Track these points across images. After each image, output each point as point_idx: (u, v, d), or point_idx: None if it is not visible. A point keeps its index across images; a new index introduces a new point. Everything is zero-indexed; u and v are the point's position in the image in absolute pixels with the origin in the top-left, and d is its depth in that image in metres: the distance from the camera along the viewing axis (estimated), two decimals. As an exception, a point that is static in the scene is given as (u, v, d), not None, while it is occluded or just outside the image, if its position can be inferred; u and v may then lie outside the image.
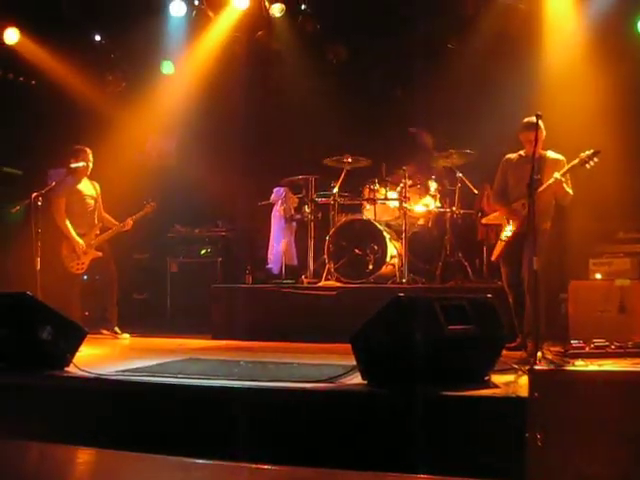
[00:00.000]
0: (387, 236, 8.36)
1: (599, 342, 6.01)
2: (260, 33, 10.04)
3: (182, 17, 9.81)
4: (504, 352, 5.13)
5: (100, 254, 8.35)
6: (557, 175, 6.60)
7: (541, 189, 6.51)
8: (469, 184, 8.69)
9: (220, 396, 4.80)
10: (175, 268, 10.03)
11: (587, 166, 6.53)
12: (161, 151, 10.97)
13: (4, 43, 9.68)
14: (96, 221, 8.51)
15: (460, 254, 8.65)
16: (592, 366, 5.22)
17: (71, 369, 5.43)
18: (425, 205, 8.91)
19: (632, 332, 6.29)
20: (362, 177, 9.18)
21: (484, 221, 7.88)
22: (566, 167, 6.65)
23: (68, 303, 7.87)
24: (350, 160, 8.99)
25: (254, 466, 4.31)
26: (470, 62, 9.26)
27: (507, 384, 4.75)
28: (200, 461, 4.44)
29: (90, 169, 8.45)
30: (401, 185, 8.69)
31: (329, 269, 8.56)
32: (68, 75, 10.07)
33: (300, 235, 9.43)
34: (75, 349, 5.60)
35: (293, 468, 4.21)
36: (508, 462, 4.12)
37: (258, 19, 9.85)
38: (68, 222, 8.26)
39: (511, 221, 6.92)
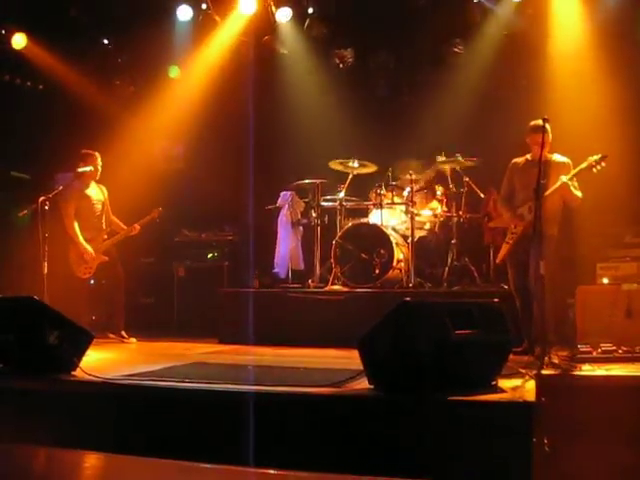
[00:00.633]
0: (394, 240, 8.34)
1: (606, 347, 6.00)
2: (266, 37, 10.05)
3: (189, 22, 9.83)
4: (511, 356, 5.11)
5: (107, 258, 8.36)
6: (564, 178, 6.60)
7: (548, 193, 6.50)
8: (476, 188, 8.67)
9: (226, 400, 4.80)
10: (182, 272, 10.04)
11: (594, 170, 6.53)
12: (168, 155, 10.99)
13: (12, 48, 9.72)
14: (104, 225, 8.53)
15: (467, 258, 8.64)
16: (599, 371, 5.20)
17: (78, 373, 5.43)
18: (432, 209, 8.90)
19: (639, 337, 6.27)
20: (369, 181, 9.18)
21: (491, 224, 7.88)
22: (574, 171, 6.64)
23: (75, 307, 7.87)
24: (357, 165, 8.99)
25: (260, 471, 4.31)
26: (477, 66, 9.26)
27: (514, 389, 4.73)
28: (206, 465, 4.44)
29: (99, 174, 8.47)
30: (407, 189, 8.68)
31: (335, 273, 8.56)
32: (75, 80, 10.10)
33: (307, 239, 9.43)
34: (82, 353, 5.61)
35: (299, 473, 4.21)
36: (515, 467, 4.11)
37: (264, 23, 9.86)
38: (76, 226, 8.27)
39: (517, 225, 6.90)
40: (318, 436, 4.50)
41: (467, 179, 8.67)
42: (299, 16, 9.78)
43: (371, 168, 9.17)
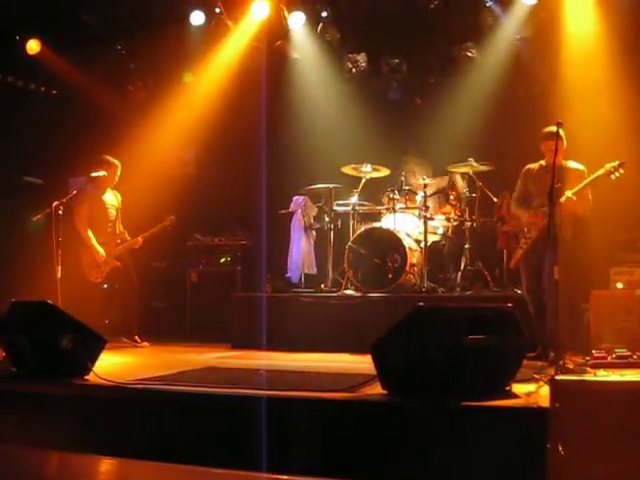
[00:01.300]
0: (407, 245, 8.32)
1: (621, 352, 5.97)
2: (279, 42, 10.06)
3: (201, 27, 9.84)
4: (525, 362, 5.09)
5: (119, 263, 8.39)
6: (569, 194, 6.54)
7: (562, 200, 6.47)
8: (489, 192, 8.66)
9: (239, 405, 4.80)
10: (195, 277, 10.05)
11: (612, 177, 6.49)
12: (181, 160, 11.01)
13: (26, 53, 9.77)
14: (117, 231, 8.57)
15: (480, 263, 8.62)
16: (614, 376, 5.17)
17: (91, 378, 5.45)
18: (445, 214, 8.89)
19: (654, 342, 6.25)
20: (381, 186, 9.17)
21: (504, 228, 7.85)
22: (590, 178, 6.58)
23: (88, 311, 7.89)
24: (369, 169, 8.99)
25: (273, 476, 4.31)
26: (490, 70, 9.24)
27: (528, 394, 4.72)
28: (218, 470, 4.44)
29: (115, 181, 8.51)
30: (421, 194, 8.67)
31: (348, 278, 8.55)
32: (88, 85, 10.15)
33: (319, 244, 9.43)
34: (95, 357, 5.62)
35: (311, 478, 4.21)
36: (529, 473, 4.09)
37: (277, 28, 9.87)
38: (89, 231, 8.31)
39: (531, 229, 6.86)
40: (331, 441, 4.49)
41: (480, 183, 8.65)
42: (312, 21, 9.78)
43: (384, 172, 9.16)
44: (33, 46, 9.76)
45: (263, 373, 5.99)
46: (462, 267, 8.61)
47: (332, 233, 9.01)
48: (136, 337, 8.35)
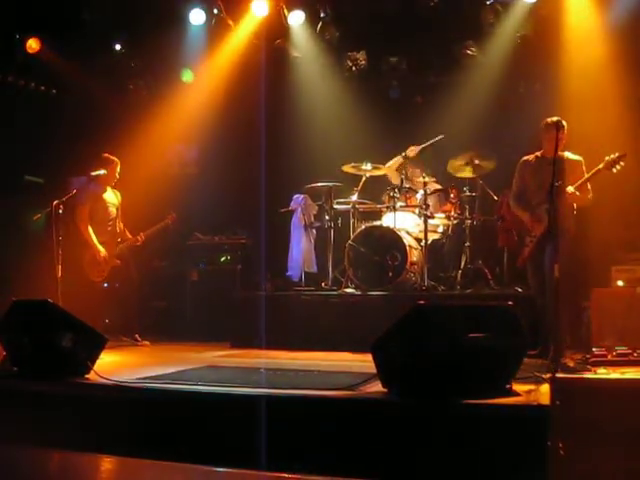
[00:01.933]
0: (407, 243, 8.32)
1: (621, 350, 5.96)
2: (279, 41, 10.05)
3: (202, 25, 9.84)
4: (525, 360, 5.09)
5: (119, 262, 8.40)
6: (571, 189, 6.54)
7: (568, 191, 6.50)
8: (489, 191, 8.65)
9: (239, 404, 4.80)
10: (195, 276, 10.04)
11: (614, 170, 6.47)
12: (181, 159, 11.01)
13: (26, 52, 9.76)
14: (117, 230, 8.57)
15: (480, 261, 8.62)
16: (614, 374, 5.18)
17: (91, 376, 5.46)
18: (445, 212, 8.88)
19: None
20: (382, 184, 9.17)
21: (506, 225, 7.83)
22: (591, 172, 6.58)
23: (89, 311, 7.89)
24: (370, 167, 8.99)
25: (273, 474, 4.31)
26: (490, 68, 9.24)
27: (529, 392, 4.72)
28: (219, 469, 4.44)
29: (115, 179, 8.52)
30: (421, 192, 8.67)
31: (349, 276, 8.55)
32: (89, 84, 10.14)
33: (320, 242, 9.42)
34: (95, 356, 5.63)
35: (312, 477, 4.21)
36: (530, 471, 4.09)
37: (277, 27, 9.86)
38: (90, 229, 8.31)
39: (534, 227, 6.84)
40: (331, 440, 4.49)
41: (481, 181, 8.65)
42: (311, 19, 9.77)
43: (384, 171, 9.15)
44: (33, 45, 9.75)
45: (263, 372, 5.99)
46: (462, 265, 8.61)
47: (332, 231, 9.00)
48: (136, 336, 8.35)
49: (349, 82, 10.07)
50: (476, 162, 8.56)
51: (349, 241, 8.57)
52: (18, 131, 10.02)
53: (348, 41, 10.04)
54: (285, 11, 9.68)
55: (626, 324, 6.79)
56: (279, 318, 8.14)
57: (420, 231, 8.65)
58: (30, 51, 9.77)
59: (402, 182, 8.86)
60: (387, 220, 8.79)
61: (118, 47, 10.29)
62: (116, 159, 8.48)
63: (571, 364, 5.61)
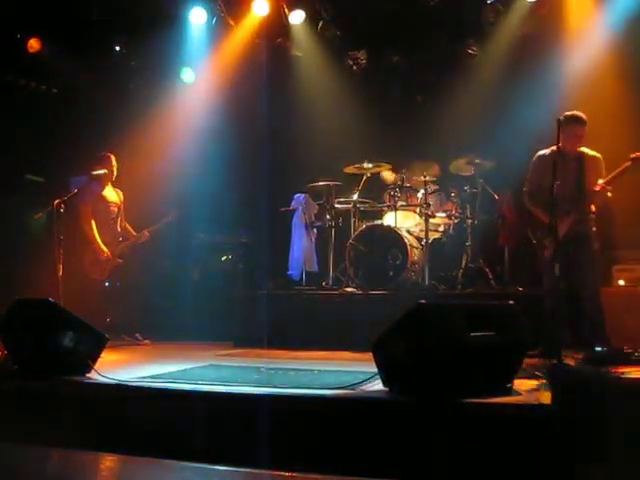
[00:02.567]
0: (408, 242, 8.32)
1: (622, 349, 5.96)
2: (280, 40, 10.06)
3: (202, 25, 9.84)
4: (527, 359, 5.09)
5: (121, 261, 8.41)
6: (601, 181, 6.46)
7: (597, 188, 6.45)
8: (490, 190, 8.65)
9: (241, 403, 4.80)
10: (196, 275, 10.05)
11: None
12: (183, 158, 10.99)
13: (27, 52, 9.76)
14: (119, 228, 8.58)
15: (481, 260, 8.62)
16: (615, 373, 5.17)
17: (92, 375, 5.46)
18: (446, 211, 8.88)
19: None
20: (382, 183, 9.17)
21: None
22: (620, 168, 6.46)
23: (90, 309, 7.89)
24: (370, 166, 8.99)
25: (274, 473, 4.30)
26: (491, 68, 9.24)
27: (530, 391, 4.72)
28: (220, 467, 4.44)
29: (114, 175, 8.53)
30: (422, 191, 8.67)
31: (350, 275, 8.55)
32: (89, 83, 10.14)
33: (321, 242, 9.43)
34: (96, 355, 5.63)
35: (313, 475, 4.20)
36: (531, 470, 4.09)
37: (278, 26, 9.87)
38: (94, 227, 8.32)
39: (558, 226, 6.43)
40: (332, 438, 4.49)
41: (481, 180, 8.65)
42: (312, 18, 9.78)
43: (385, 170, 9.15)
44: (34, 45, 9.75)
45: (265, 371, 5.99)
46: (463, 264, 8.61)
47: (333, 231, 9.01)
48: (137, 335, 8.35)
49: (350, 81, 10.07)
50: (477, 161, 8.56)
51: (350, 240, 8.58)
52: (18, 130, 10.02)
53: (349, 40, 10.05)
54: (286, 10, 9.69)
55: (627, 323, 6.80)
56: (280, 317, 8.14)
57: (421, 230, 8.66)
58: (31, 51, 9.77)
59: (403, 181, 8.87)
60: (388, 219, 8.80)
61: (118, 47, 10.29)
62: (111, 155, 8.49)
63: (573, 363, 5.61)
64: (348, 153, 9.21)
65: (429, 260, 8.36)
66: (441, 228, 9.02)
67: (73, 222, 8.24)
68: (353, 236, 8.63)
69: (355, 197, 8.97)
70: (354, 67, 10.15)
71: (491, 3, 9.05)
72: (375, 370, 4.86)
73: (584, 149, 6.69)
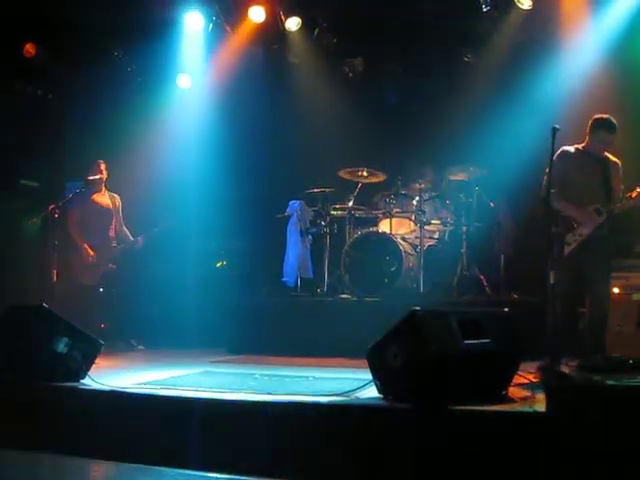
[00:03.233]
0: (403, 249, 8.33)
1: (617, 357, 5.96)
2: (276, 46, 10.07)
3: (199, 31, 9.85)
4: (522, 366, 5.09)
5: (114, 266, 8.40)
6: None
7: (625, 202, 6.38)
8: (485, 197, 8.66)
9: (235, 409, 4.79)
10: (191, 281, 10.04)
11: None
12: (178, 164, 11.00)
13: (23, 57, 9.75)
14: (112, 233, 8.57)
15: (476, 268, 8.62)
16: (610, 381, 5.17)
17: (86, 382, 5.44)
18: (441, 218, 8.88)
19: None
20: (378, 190, 9.18)
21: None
22: None
23: (84, 315, 7.88)
24: (366, 173, 9.00)
25: (268, 480, 4.30)
26: (487, 76, 9.25)
27: (524, 399, 4.72)
28: (215, 475, 4.44)
29: (104, 181, 8.53)
30: (417, 198, 8.67)
31: (344, 282, 8.54)
32: (85, 88, 10.14)
33: (316, 248, 9.42)
34: (91, 361, 5.62)
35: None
36: (525, 478, 4.08)
37: (274, 32, 9.88)
38: (79, 232, 8.32)
39: (582, 226, 6.39)
40: (327, 446, 4.48)
41: (477, 188, 8.66)
42: (308, 25, 9.78)
43: (380, 177, 9.16)
44: (30, 50, 9.74)
45: (259, 377, 5.98)
46: (458, 272, 8.60)
47: (328, 237, 9.00)
48: (132, 341, 8.34)
49: (346, 88, 10.07)
50: (472, 169, 8.58)
51: (345, 247, 8.58)
52: (14, 136, 10.01)
53: (345, 47, 10.06)
54: (282, 17, 9.69)
55: (621, 331, 6.80)
56: (275, 324, 8.14)
57: (416, 237, 8.66)
58: (27, 55, 9.77)
59: (399, 189, 8.88)
60: (383, 226, 8.81)
61: (115, 52, 10.29)
62: (101, 161, 8.51)
63: (567, 371, 5.60)
64: (344, 160, 9.22)
65: (424, 267, 8.36)
66: (436, 235, 9.03)
67: (66, 227, 8.25)
68: (348, 243, 8.64)
69: (350, 204, 8.98)
70: (350, 74, 10.17)
71: (487, 11, 9.06)
72: (370, 377, 4.86)
73: (607, 153, 6.61)
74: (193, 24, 9.76)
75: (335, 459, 4.43)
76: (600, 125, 6.40)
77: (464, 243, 8.63)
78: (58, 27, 9.62)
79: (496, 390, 4.73)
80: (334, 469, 4.40)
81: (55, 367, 5.42)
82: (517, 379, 5.05)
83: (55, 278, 7.30)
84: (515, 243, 8.70)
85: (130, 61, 10.41)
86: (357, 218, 9.07)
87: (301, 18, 9.69)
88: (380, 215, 8.94)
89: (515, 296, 7.86)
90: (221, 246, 10.22)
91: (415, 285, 8.39)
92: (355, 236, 8.71)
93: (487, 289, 8.44)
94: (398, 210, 8.85)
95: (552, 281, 5.63)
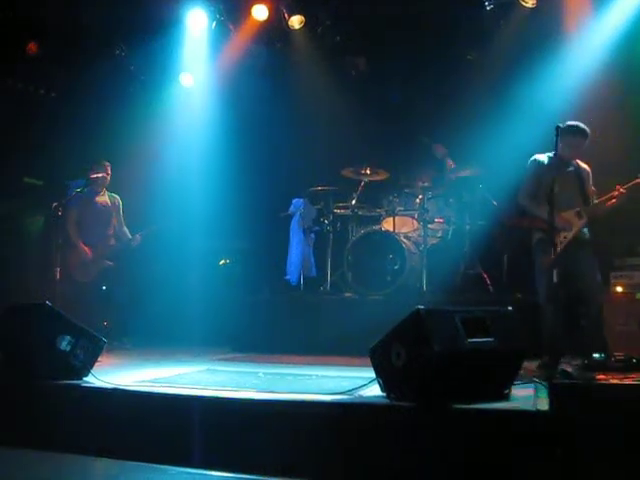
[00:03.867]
0: (406, 248, 8.33)
1: (620, 356, 5.95)
2: (279, 45, 10.07)
3: (202, 29, 9.84)
4: (524, 365, 5.08)
5: (111, 263, 8.40)
6: (622, 189, 6.47)
7: (605, 202, 6.50)
8: (489, 196, 8.66)
9: (238, 407, 4.79)
10: (194, 279, 10.04)
11: None
12: (181, 163, 11.00)
13: (26, 56, 9.76)
14: (110, 232, 8.57)
15: (480, 266, 8.61)
16: (613, 380, 5.17)
17: (89, 379, 5.44)
18: (444, 217, 8.88)
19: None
20: (381, 189, 9.18)
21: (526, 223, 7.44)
22: (633, 182, 6.42)
23: (87, 313, 7.88)
24: (369, 172, 8.99)
25: (272, 479, 4.30)
26: (490, 74, 9.24)
27: (527, 398, 4.71)
28: (217, 473, 4.44)
29: (107, 181, 8.52)
30: (420, 197, 8.67)
31: (348, 280, 8.54)
32: (88, 87, 10.14)
33: (319, 246, 9.42)
34: (94, 359, 5.62)
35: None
36: (529, 476, 4.08)
37: (277, 31, 9.88)
38: (76, 231, 8.32)
39: (564, 229, 6.48)
40: (329, 444, 4.48)
41: (480, 186, 8.65)
42: (312, 24, 9.78)
43: (383, 175, 9.16)
44: (32, 48, 9.75)
45: (262, 375, 5.98)
46: (462, 270, 8.60)
47: (331, 235, 9.01)
48: (125, 339, 8.31)
49: (349, 86, 10.08)
50: (475, 168, 8.58)
51: (348, 245, 8.58)
52: (17, 134, 10.02)
53: (348, 46, 10.06)
54: (285, 15, 9.69)
55: (624, 330, 6.80)
56: (277, 322, 8.15)
57: (419, 236, 8.66)
58: (29, 54, 9.77)
59: (402, 186, 8.88)
60: (386, 224, 8.80)
61: (117, 51, 10.29)
62: (106, 161, 8.51)
63: (570, 370, 5.59)
64: (347, 158, 9.22)
65: (427, 266, 8.36)
66: (439, 234, 9.02)
67: (65, 226, 8.25)
68: (351, 241, 8.64)
69: (354, 202, 8.98)
70: (353, 72, 10.17)
71: (490, 10, 9.06)
72: (373, 375, 4.85)
73: (578, 161, 6.75)
74: (196, 22, 9.75)
75: (337, 457, 4.43)
76: (565, 130, 6.42)
77: (467, 241, 8.63)
78: (60, 26, 9.62)
79: (499, 389, 4.72)
80: (336, 467, 4.40)
81: (58, 365, 5.42)
82: (521, 378, 5.04)
83: (58, 276, 7.29)
84: (519, 242, 8.68)
85: (132, 59, 10.41)
86: (360, 216, 9.07)
87: (304, 16, 9.69)
88: (383, 213, 8.94)
89: (518, 295, 7.85)
90: (224, 244, 10.21)
91: (418, 283, 8.38)
92: (358, 234, 8.71)
93: (490, 288, 8.44)
94: (401, 208, 8.85)
95: (555, 279, 5.64)
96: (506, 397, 4.68)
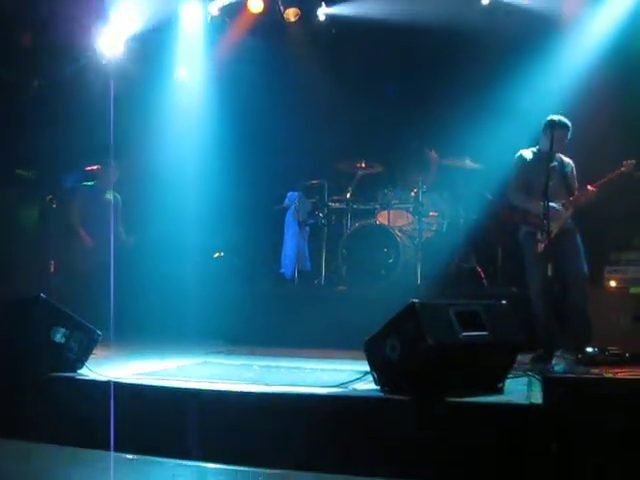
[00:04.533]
0: (400, 241, 8.33)
1: (614, 350, 5.98)
2: (274, 38, 10.05)
3: (198, 23, 9.82)
4: (518, 358, 5.10)
5: (110, 258, 8.39)
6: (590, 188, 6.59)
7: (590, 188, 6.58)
8: (483, 190, 8.67)
9: (233, 400, 4.80)
10: (188, 272, 10.02)
11: (635, 176, 6.48)
12: (176, 156, 10.98)
13: (19, 47, 9.72)
14: (111, 228, 8.56)
15: (474, 260, 8.62)
16: (606, 374, 5.19)
17: (84, 372, 5.44)
18: (438, 211, 8.88)
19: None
20: (376, 182, 9.18)
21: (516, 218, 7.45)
22: (615, 173, 6.55)
23: (81, 305, 7.87)
24: (364, 165, 8.99)
25: (267, 471, 4.32)
26: (485, 70, 9.23)
27: (521, 391, 4.73)
28: (213, 465, 4.45)
29: (114, 179, 8.52)
30: (414, 190, 8.67)
31: (342, 274, 8.55)
32: (83, 81, 10.10)
33: (313, 240, 9.42)
34: (89, 352, 5.62)
35: (304, 473, 4.21)
36: (523, 470, 4.10)
37: (273, 24, 9.87)
38: (79, 221, 8.31)
39: (551, 222, 6.34)
40: (324, 437, 4.50)
41: (474, 180, 8.66)
42: (308, 17, 9.77)
43: (378, 169, 9.16)
44: (26, 40, 9.71)
45: (257, 369, 5.99)
46: (456, 264, 8.61)
47: (326, 229, 9.01)
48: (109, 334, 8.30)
49: (345, 79, 10.06)
50: (469, 162, 8.58)
51: (343, 239, 8.58)
52: (10, 125, 9.98)
53: (344, 39, 10.04)
54: (281, 8, 9.67)
55: (618, 324, 6.81)
56: (272, 315, 8.15)
57: (414, 229, 8.66)
58: (23, 46, 9.73)
59: (396, 180, 8.89)
60: (381, 218, 8.80)
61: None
62: (113, 163, 8.50)
63: (564, 364, 5.62)
64: (342, 151, 9.22)
65: (421, 259, 8.37)
66: (434, 227, 9.01)
67: (64, 218, 8.24)
68: (346, 234, 8.64)
69: (348, 195, 8.98)
70: (349, 66, 10.15)
71: (485, 6, 9.05)
72: (367, 369, 4.87)
73: (561, 155, 6.79)
74: (192, 15, 9.72)
75: (332, 450, 4.45)
76: (547, 125, 6.56)
77: (462, 235, 8.64)
78: (54, 18, 9.58)
79: (493, 382, 4.73)
80: (331, 460, 4.41)
81: (52, 357, 5.42)
82: (514, 371, 5.06)
83: (53, 268, 7.28)
84: (513, 235, 8.70)
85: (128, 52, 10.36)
86: (355, 210, 9.06)
87: (300, 9, 9.68)
88: (378, 207, 8.94)
89: (513, 288, 7.86)
90: (218, 237, 10.20)
91: (413, 277, 8.38)
92: (353, 228, 8.71)
93: (484, 281, 8.45)
94: (396, 202, 8.84)
95: (550, 273, 5.66)
96: (500, 390, 4.70)
